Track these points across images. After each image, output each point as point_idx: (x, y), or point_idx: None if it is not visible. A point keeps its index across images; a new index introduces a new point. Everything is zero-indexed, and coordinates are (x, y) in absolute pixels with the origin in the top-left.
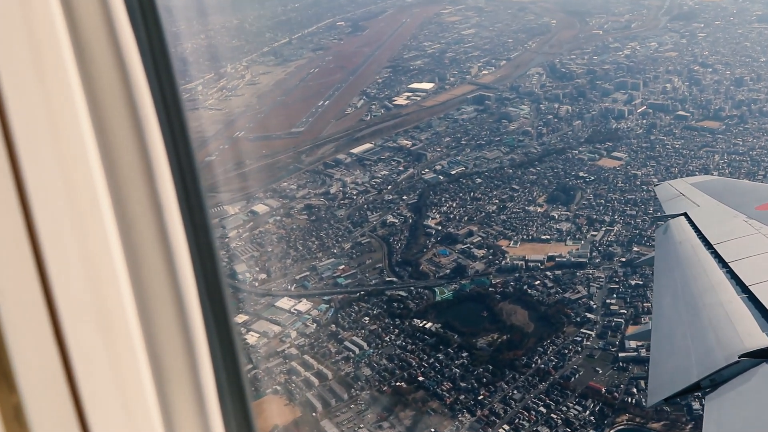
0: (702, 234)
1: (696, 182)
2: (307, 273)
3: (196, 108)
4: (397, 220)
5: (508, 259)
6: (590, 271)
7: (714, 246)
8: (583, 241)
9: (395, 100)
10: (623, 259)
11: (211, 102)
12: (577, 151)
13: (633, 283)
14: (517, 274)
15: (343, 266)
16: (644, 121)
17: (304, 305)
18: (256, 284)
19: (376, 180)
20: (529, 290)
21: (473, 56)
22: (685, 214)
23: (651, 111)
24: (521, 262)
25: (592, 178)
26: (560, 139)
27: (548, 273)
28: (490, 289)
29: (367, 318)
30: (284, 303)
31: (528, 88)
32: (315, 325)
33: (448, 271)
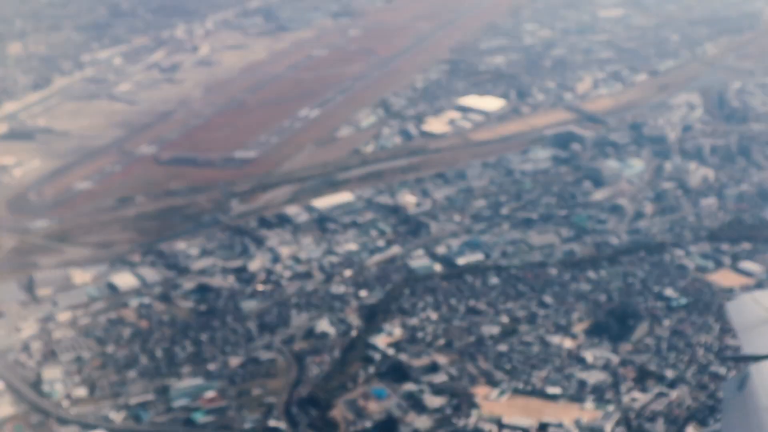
0: None
1: None
2: (152, 397)
3: (93, 95)
4: (332, 330)
5: (473, 419)
6: None
7: None
8: (612, 406)
9: (428, 124)
10: None
11: (124, 88)
12: (684, 251)
13: None
14: None
15: (212, 393)
16: None
17: None
18: (65, 403)
19: (331, 257)
20: None
21: (598, 59)
22: None
23: None
24: (492, 426)
25: (684, 301)
26: (670, 226)
27: None
28: None
29: None
30: None
31: (658, 131)
32: None
33: (371, 423)
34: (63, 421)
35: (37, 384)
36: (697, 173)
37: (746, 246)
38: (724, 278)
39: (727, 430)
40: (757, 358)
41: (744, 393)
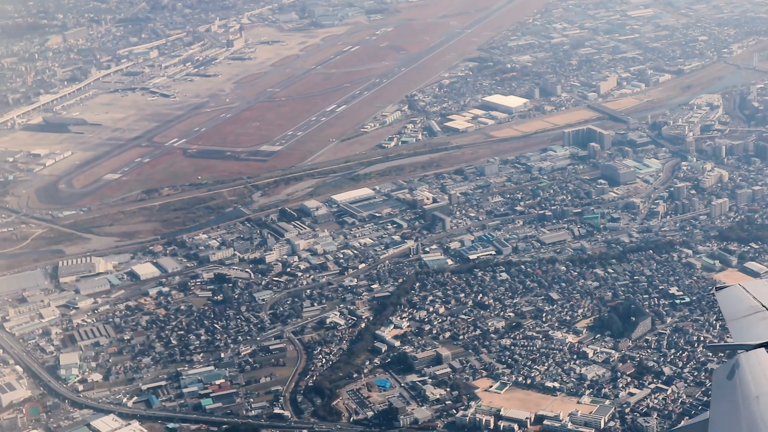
0: None
1: None
2: (163, 382)
3: (128, 88)
4: (342, 321)
5: (472, 411)
6: None
7: None
8: (608, 400)
9: (452, 120)
10: None
11: (159, 81)
12: (692, 251)
13: None
14: None
15: (221, 381)
16: None
17: (131, 431)
18: (80, 387)
19: (346, 251)
20: None
21: (624, 58)
22: None
23: None
24: (489, 418)
25: (686, 299)
26: (681, 225)
27: None
28: None
29: None
30: (105, 423)
31: (677, 131)
32: None
33: (373, 413)
34: (77, 405)
35: (54, 368)
36: (712, 173)
37: (755, 246)
38: (729, 278)
39: (715, 418)
40: (746, 347)
41: (733, 382)
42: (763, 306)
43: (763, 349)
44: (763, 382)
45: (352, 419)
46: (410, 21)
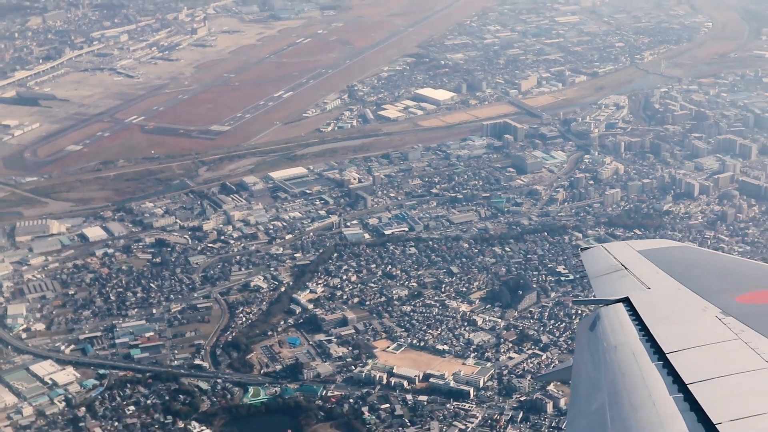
0: (652, 337)
1: (646, 249)
2: (99, 333)
3: (97, 68)
4: (265, 285)
5: (368, 368)
6: (468, 407)
7: (671, 359)
8: (489, 363)
9: (385, 110)
10: (524, 398)
11: (126, 63)
12: (582, 234)
13: None
14: (366, 390)
15: (150, 334)
16: (719, 209)
17: (66, 375)
18: (23, 335)
19: (276, 223)
20: (366, 414)
21: (546, 60)
22: (627, 301)
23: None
24: (383, 374)
25: (570, 277)
26: (576, 212)
27: (409, 396)
28: (318, 401)
29: (133, 408)
30: (43, 367)
31: (584, 127)
32: (63, 404)
33: (281, 366)
34: (19, 351)
35: (2, 318)
36: (610, 166)
37: (638, 232)
38: None
39: (578, 364)
40: (606, 302)
41: (594, 333)
42: (622, 265)
43: (621, 304)
44: (620, 334)
45: (262, 371)
46: (359, 18)
